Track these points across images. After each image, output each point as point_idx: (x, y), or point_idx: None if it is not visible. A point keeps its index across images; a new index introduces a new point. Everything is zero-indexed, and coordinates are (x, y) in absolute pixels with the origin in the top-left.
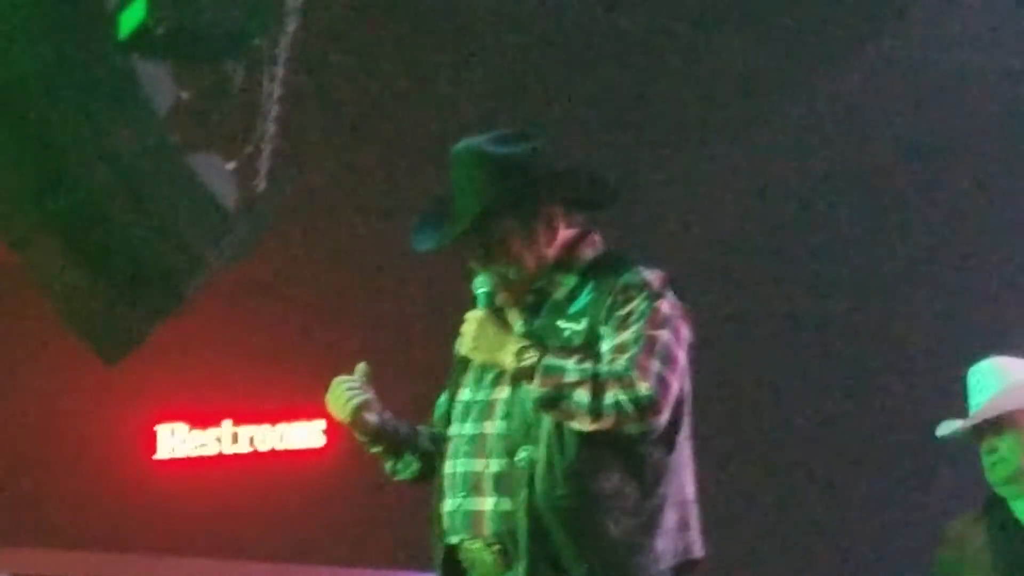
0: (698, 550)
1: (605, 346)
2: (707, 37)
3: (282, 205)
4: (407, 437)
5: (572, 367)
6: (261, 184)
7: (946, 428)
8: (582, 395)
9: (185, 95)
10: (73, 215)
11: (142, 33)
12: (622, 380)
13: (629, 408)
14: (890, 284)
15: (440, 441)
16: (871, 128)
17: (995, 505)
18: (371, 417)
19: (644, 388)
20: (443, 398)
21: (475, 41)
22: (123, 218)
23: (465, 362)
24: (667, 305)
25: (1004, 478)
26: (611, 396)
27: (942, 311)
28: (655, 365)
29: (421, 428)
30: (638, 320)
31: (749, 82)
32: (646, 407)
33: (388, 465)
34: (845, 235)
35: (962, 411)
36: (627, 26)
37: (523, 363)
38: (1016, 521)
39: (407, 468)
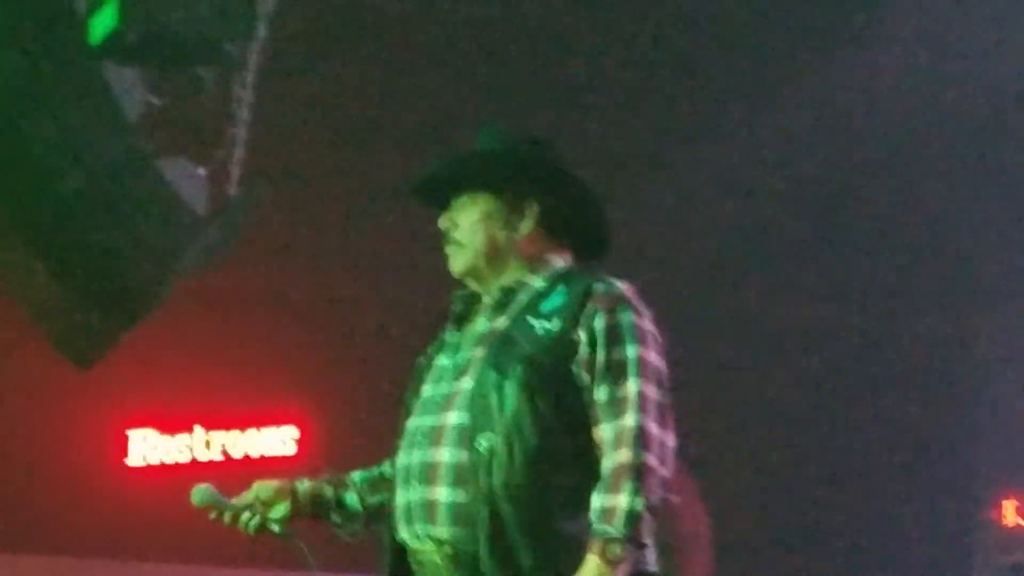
0: (651, 563)
1: (601, 394)
2: (694, 41)
3: (253, 211)
4: (330, 502)
5: (622, 514)
6: (233, 189)
7: None
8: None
9: (156, 100)
10: (44, 221)
11: (113, 38)
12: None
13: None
14: (878, 288)
15: (384, 477)
16: (853, 135)
17: None
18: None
19: (654, 464)
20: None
21: (451, 44)
22: (94, 224)
23: (431, 359)
24: (647, 322)
25: None
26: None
27: (933, 314)
28: (655, 430)
29: (353, 478)
30: (631, 369)
31: (733, 87)
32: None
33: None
34: (833, 239)
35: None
36: (610, 26)
37: (616, 552)
38: None
39: (343, 530)
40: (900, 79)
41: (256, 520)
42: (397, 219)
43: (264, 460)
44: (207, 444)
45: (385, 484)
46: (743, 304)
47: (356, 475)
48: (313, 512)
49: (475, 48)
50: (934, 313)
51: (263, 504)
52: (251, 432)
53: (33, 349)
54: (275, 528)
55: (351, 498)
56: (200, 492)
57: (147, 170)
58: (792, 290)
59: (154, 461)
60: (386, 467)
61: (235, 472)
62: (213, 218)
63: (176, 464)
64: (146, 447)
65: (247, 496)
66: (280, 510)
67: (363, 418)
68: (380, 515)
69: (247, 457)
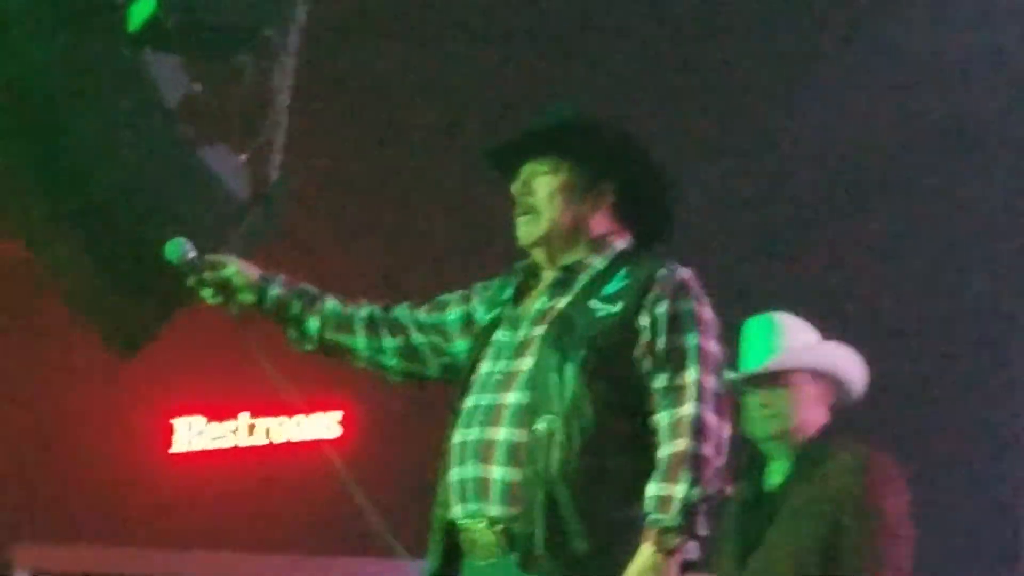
0: (693, 552)
1: (660, 381)
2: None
3: (294, 195)
4: (292, 318)
5: (677, 502)
6: (273, 175)
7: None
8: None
9: (196, 88)
10: (85, 210)
11: (152, 26)
12: (699, 467)
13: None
14: (920, 270)
15: (378, 320)
16: (873, 114)
17: (751, 469)
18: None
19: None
20: (455, 311)
21: (493, 25)
22: (135, 212)
23: (488, 332)
24: (708, 310)
25: (773, 433)
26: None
27: (977, 298)
28: (712, 420)
29: (326, 306)
30: (691, 358)
31: (750, 75)
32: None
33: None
34: (861, 222)
35: None
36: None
37: (671, 542)
38: (760, 489)
39: (293, 343)
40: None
41: (217, 300)
42: (437, 204)
43: (309, 445)
44: (251, 430)
45: (349, 328)
46: (782, 296)
47: (330, 305)
48: (273, 318)
49: (517, 30)
50: (977, 297)
51: (233, 289)
52: (296, 417)
53: (77, 339)
54: (232, 311)
55: (313, 323)
56: (175, 246)
57: (188, 158)
58: (838, 281)
59: (199, 448)
60: (362, 312)
61: (281, 458)
62: (255, 204)
63: (221, 450)
64: (191, 434)
65: (221, 273)
66: (245, 298)
67: (407, 400)
68: (331, 351)
69: (291, 442)
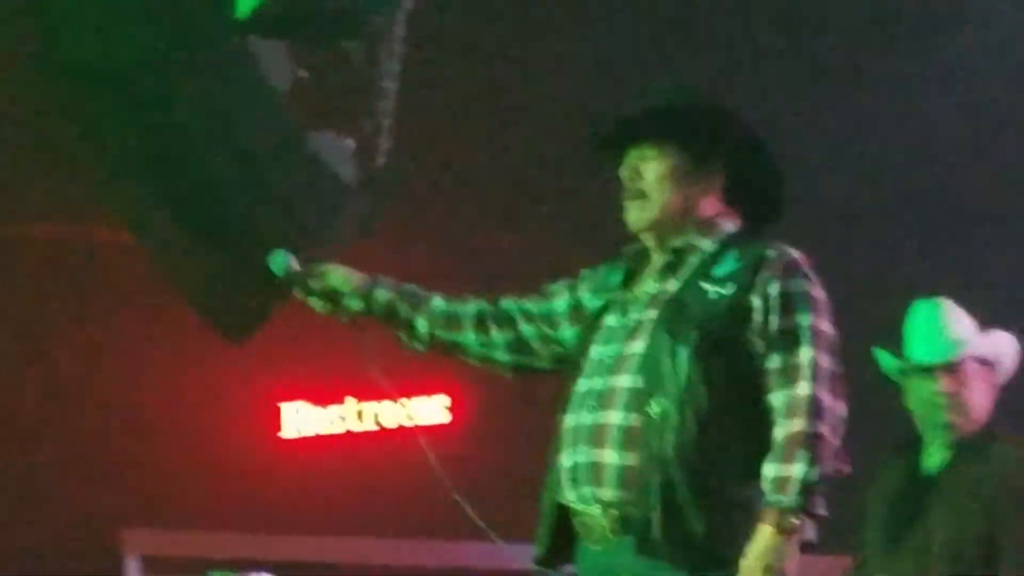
0: (809, 533)
1: (773, 361)
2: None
3: (401, 181)
4: (400, 321)
5: (796, 481)
6: (381, 161)
7: (889, 359)
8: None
9: (303, 73)
10: (193, 196)
11: (260, 13)
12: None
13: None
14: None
15: (486, 314)
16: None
17: (912, 447)
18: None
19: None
20: (563, 299)
21: (597, 12)
22: (243, 198)
23: (598, 317)
24: (819, 290)
25: (951, 422)
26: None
27: None
28: (828, 400)
29: (433, 306)
30: (804, 337)
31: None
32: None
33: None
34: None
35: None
36: None
37: (789, 523)
38: (915, 474)
39: (404, 344)
40: None
41: (326, 309)
42: (547, 183)
43: (418, 430)
44: (360, 415)
45: (458, 326)
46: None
47: (437, 303)
48: (382, 321)
49: (625, 14)
50: None
51: (340, 296)
52: (405, 402)
53: (187, 324)
54: (341, 318)
55: (422, 324)
56: (279, 258)
57: (296, 143)
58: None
59: (308, 433)
60: (469, 307)
61: (390, 442)
62: (362, 189)
63: (330, 436)
64: (299, 420)
65: (327, 281)
66: (352, 305)
67: (515, 385)
68: (442, 350)
69: (401, 427)
